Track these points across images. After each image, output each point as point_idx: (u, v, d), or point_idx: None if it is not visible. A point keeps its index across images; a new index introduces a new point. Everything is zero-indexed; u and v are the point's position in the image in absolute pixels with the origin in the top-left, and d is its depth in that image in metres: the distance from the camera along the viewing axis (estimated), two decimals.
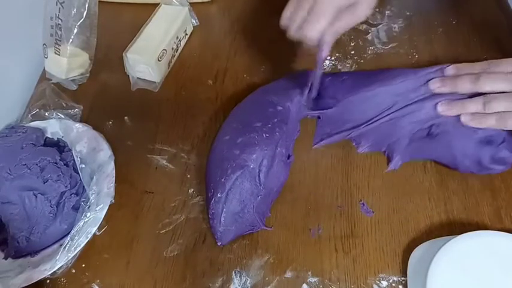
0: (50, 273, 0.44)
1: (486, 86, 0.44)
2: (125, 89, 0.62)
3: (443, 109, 0.47)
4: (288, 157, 0.50)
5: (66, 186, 0.49)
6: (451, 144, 0.47)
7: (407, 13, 0.67)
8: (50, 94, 0.58)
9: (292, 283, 0.44)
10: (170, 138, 0.56)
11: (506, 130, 0.46)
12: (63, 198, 0.49)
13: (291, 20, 0.46)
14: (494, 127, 0.45)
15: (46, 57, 0.62)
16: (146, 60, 0.60)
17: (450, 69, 0.48)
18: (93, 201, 0.48)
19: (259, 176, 0.46)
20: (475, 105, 0.45)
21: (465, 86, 0.46)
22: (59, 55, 0.61)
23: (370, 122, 0.51)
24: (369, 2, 0.45)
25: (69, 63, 0.61)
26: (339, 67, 0.61)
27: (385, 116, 0.50)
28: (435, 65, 0.49)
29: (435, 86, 0.48)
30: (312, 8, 0.44)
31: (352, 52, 0.62)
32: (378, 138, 0.51)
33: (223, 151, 0.48)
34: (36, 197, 0.47)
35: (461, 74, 0.47)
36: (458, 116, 0.46)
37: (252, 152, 0.46)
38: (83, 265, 0.47)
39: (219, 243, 0.46)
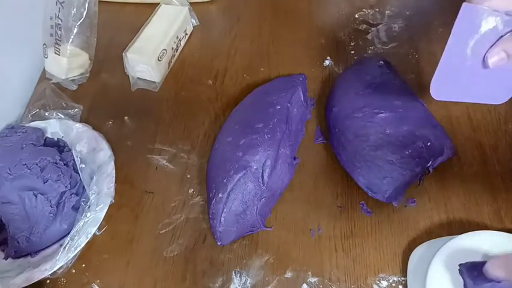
0: (50, 273, 0.44)
1: None
2: (125, 89, 0.62)
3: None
4: (294, 159, 0.50)
5: (66, 186, 0.49)
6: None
7: (407, 13, 0.66)
8: (50, 94, 0.58)
9: (292, 283, 0.44)
10: (170, 138, 0.56)
11: None
12: (63, 198, 0.49)
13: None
14: None
15: (46, 57, 0.62)
16: (146, 60, 0.60)
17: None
18: (93, 201, 0.48)
19: (262, 177, 0.46)
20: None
21: None
22: (59, 55, 0.61)
23: None
24: None
25: (69, 63, 0.61)
26: (339, 67, 0.61)
27: None
28: None
29: None
30: None
31: (352, 52, 0.62)
32: None
33: (226, 152, 0.48)
34: (36, 197, 0.47)
35: None
36: None
37: (255, 153, 0.46)
38: (83, 265, 0.47)
39: (219, 243, 0.46)
